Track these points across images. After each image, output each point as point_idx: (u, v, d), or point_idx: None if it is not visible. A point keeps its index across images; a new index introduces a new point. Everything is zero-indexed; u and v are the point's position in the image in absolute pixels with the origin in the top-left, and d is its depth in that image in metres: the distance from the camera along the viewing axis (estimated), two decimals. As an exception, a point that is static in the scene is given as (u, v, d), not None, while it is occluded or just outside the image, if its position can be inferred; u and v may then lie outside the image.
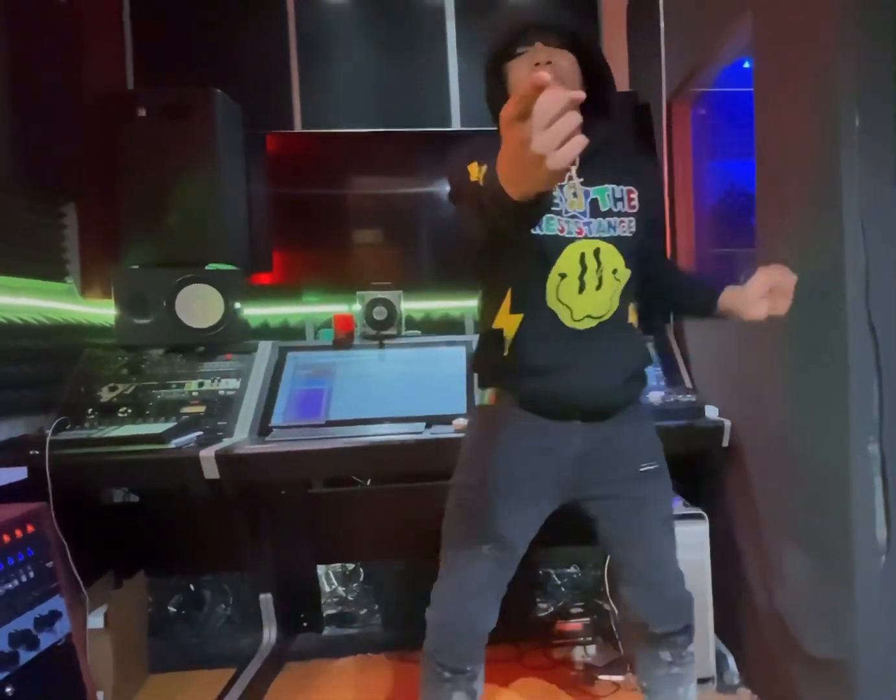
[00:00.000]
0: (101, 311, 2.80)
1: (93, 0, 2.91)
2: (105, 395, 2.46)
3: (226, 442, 2.25)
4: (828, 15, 1.63)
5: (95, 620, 2.14)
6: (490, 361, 1.58)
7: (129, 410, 2.39)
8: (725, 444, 2.27)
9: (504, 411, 1.56)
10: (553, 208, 1.47)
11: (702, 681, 2.24)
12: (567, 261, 1.47)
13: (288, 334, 3.14)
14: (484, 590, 1.55)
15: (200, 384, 2.53)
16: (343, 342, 2.75)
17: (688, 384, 2.62)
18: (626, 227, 1.53)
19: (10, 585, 1.62)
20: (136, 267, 2.69)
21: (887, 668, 1.63)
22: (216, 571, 2.77)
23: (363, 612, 2.85)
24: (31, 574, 1.70)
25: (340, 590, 2.88)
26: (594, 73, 1.51)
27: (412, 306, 3.12)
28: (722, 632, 2.33)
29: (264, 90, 3.29)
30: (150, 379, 2.53)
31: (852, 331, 1.60)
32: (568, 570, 2.97)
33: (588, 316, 1.49)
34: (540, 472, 1.53)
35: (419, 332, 3.00)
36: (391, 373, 2.66)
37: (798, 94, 1.79)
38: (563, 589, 2.94)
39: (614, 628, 2.54)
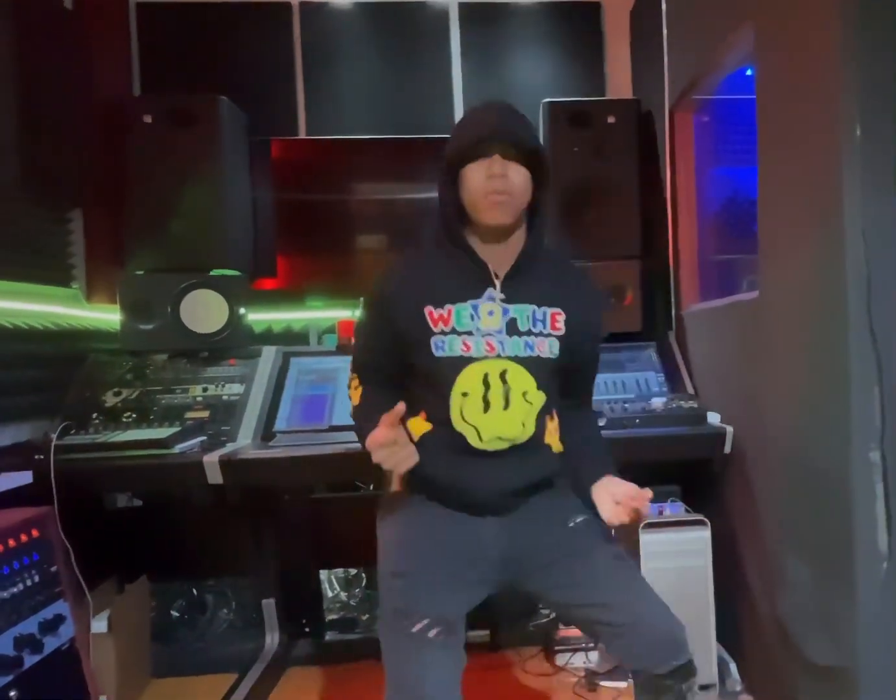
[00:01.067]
0: (106, 316, 2.81)
1: (99, 7, 2.92)
2: (109, 399, 2.47)
3: (229, 447, 2.26)
4: (829, 24, 1.64)
5: (99, 625, 2.14)
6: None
7: (134, 415, 2.40)
8: (727, 450, 2.27)
9: (414, 500, 1.57)
10: (461, 329, 1.47)
11: (704, 688, 2.23)
12: (468, 380, 1.47)
13: (291, 340, 3.15)
14: (440, 686, 1.35)
15: (204, 389, 2.54)
16: (347, 347, 2.76)
17: (690, 390, 2.62)
18: (547, 349, 1.50)
19: (14, 589, 1.63)
20: (141, 272, 2.71)
21: (889, 675, 1.62)
22: (219, 576, 2.77)
23: (365, 617, 2.85)
24: (36, 578, 1.71)
25: (343, 595, 2.88)
26: (540, 186, 1.51)
27: (415, 312, 3.12)
28: (724, 638, 2.32)
29: (269, 97, 3.31)
30: (155, 384, 2.55)
31: (854, 338, 1.61)
32: (570, 577, 2.97)
33: (498, 437, 1.48)
34: (459, 553, 1.50)
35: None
36: (394, 378, 2.67)
37: (799, 102, 1.80)
38: (601, 645, 2.94)
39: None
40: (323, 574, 2.85)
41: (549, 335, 1.51)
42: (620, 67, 3.46)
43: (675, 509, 2.35)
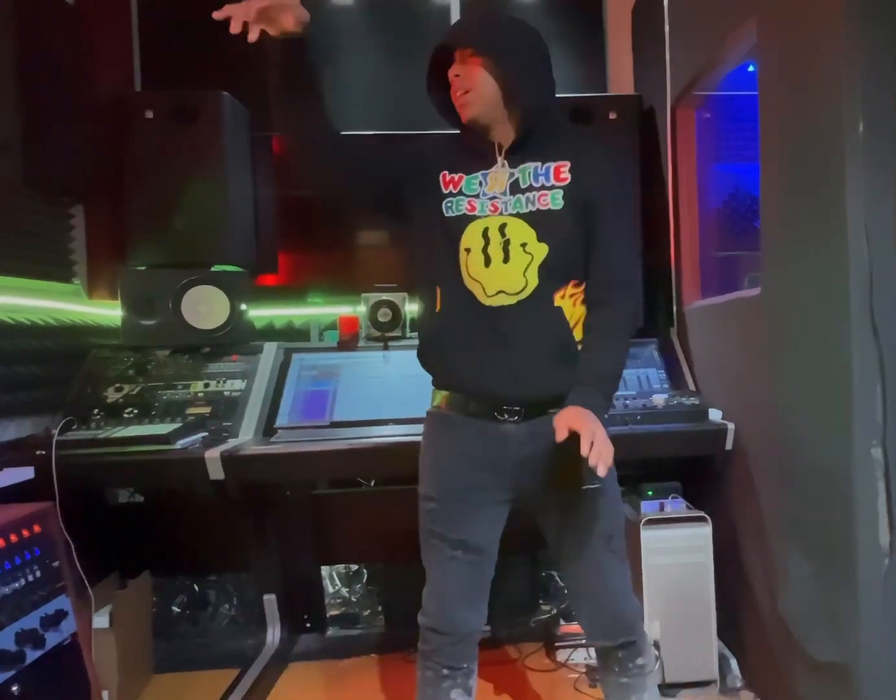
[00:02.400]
0: (108, 312, 2.81)
1: (101, 2, 2.92)
2: (111, 395, 2.47)
3: (231, 443, 2.26)
4: (832, 21, 1.64)
5: (101, 620, 2.14)
6: (426, 348, 1.66)
7: (135, 411, 2.41)
8: (729, 447, 2.27)
9: (444, 415, 1.63)
10: (469, 192, 1.57)
11: (704, 684, 2.25)
12: (470, 236, 1.55)
13: (293, 336, 3.14)
14: (459, 593, 1.59)
15: (206, 385, 2.54)
16: (348, 344, 2.76)
17: (691, 387, 2.62)
18: (547, 200, 1.54)
19: (16, 584, 1.62)
20: (143, 268, 2.71)
21: (890, 671, 1.62)
22: (220, 572, 2.78)
23: (366, 612, 2.86)
24: (38, 573, 1.70)
25: (344, 591, 2.89)
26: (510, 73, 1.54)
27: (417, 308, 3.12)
28: (725, 635, 2.33)
29: (271, 92, 3.30)
30: (156, 380, 2.55)
31: (856, 334, 1.61)
32: (571, 573, 2.98)
33: (501, 291, 1.53)
34: (482, 475, 1.56)
35: (423, 333, 3.01)
36: (396, 374, 2.67)
37: (802, 98, 1.80)
38: (565, 591, 2.94)
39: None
40: (324, 570, 2.86)
41: (552, 187, 1.55)
42: (622, 63, 3.45)
43: (676, 506, 2.35)
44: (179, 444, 2.16)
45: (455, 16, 3.40)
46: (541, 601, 2.90)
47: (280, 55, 1.65)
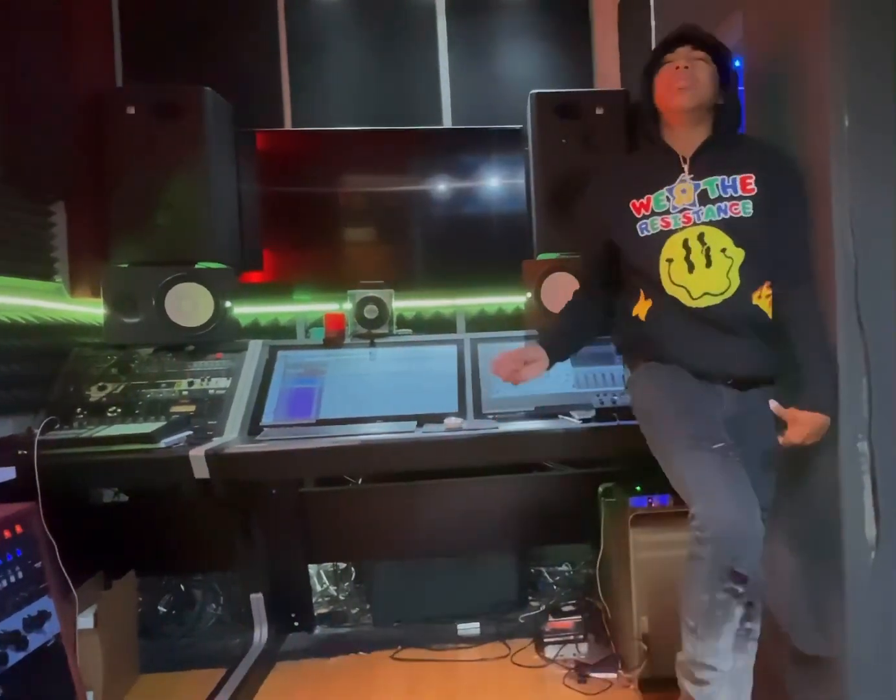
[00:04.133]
0: (90, 310, 2.78)
1: (81, -3, 2.89)
2: (94, 394, 2.45)
3: (216, 441, 2.24)
4: (818, 14, 1.64)
5: (85, 621, 2.12)
6: (631, 339, 1.86)
7: (119, 410, 2.38)
8: (717, 442, 2.27)
9: (656, 364, 1.78)
10: (659, 210, 1.74)
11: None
12: (670, 248, 1.72)
13: (278, 333, 3.13)
14: (740, 489, 1.56)
15: (190, 383, 2.52)
16: (334, 341, 2.75)
17: (679, 382, 2.63)
18: (739, 209, 1.69)
19: (-2, 586, 1.61)
20: (126, 266, 2.67)
21: (876, 664, 1.63)
22: (207, 571, 2.76)
23: (355, 611, 2.85)
24: (20, 574, 1.68)
25: (332, 589, 2.88)
26: (727, 83, 1.77)
27: (403, 305, 3.11)
28: (712, 629, 2.33)
29: (254, 88, 3.28)
30: (140, 378, 2.52)
31: (842, 329, 1.61)
32: (560, 568, 2.98)
33: (706, 293, 1.70)
34: (706, 404, 1.71)
35: (410, 330, 3.00)
36: (382, 372, 2.66)
37: (788, 93, 1.80)
38: (554, 587, 2.95)
39: (606, 626, 2.54)
40: (312, 568, 2.85)
41: (741, 197, 1.70)
42: (609, 58, 3.45)
43: (664, 501, 2.35)
44: (164, 442, 2.14)
45: (441, 12, 3.39)
46: (529, 597, 2.90)
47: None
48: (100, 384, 2.48)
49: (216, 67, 3.20)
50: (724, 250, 1.69)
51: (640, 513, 2.27)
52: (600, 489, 2.61)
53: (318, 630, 2.80)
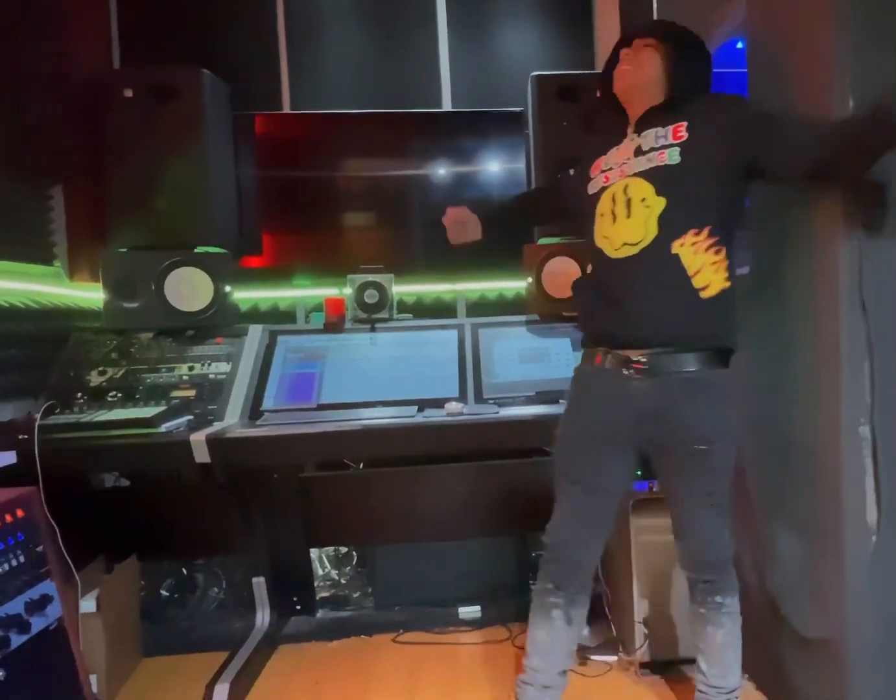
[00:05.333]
0: (90, 294, 2.77)
1: (78, -22, 2.86)
2: (94, 379, 2.44)
3: (217, 426, 2.24)
4: (822, -6, 1.62)
5: (87, 604, 2.13)
6: (579, 307, 1.90)
7: (119, 394, 2.38)
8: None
9: (580, 368, 1.87)
10: (605, 168, 1.80)
11: (692, 661, 2.25)
12: (602, 203, 1.77)
13: (278, 318, 3.12)
14: (570, 522, 1.80)
15: (191, 368, 2.51)
16: (334, 326, 2.74)
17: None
18: (664, 157, 1.69)
19: (-1, 569, 1.61)
20: (125, 250, 2.66)
21: (877, 648, 1.64)
22: (208, 555, 2.77)
23: (356, 594, 2.86)
24: (22, 558, 1.69)
25: (333, 573, 2.89)
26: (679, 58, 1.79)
27: (404, 290, 3.10)
28: (712, 612, 2.34)
29: (252, 71, 3.26)
30: (140, 363, 2.52)
31: (845, 313, 1.61)
32: (560, 553, 2.98)
33: (625, 243, 1.70)
34: (610, 414, 1.75)
35: (411, 315, 2.99)
36: (383, 356, 2.66)
37: (791, 76, 1.78)
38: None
39: (607, 609, 2.55)
40: (313, 552, 2.86)
41: (669, 145, 1.70)
42: (610, 40, 3.38)
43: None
44: (164, 427, 2.14)
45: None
46: (530, 581, 2.91)
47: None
48: (100, 369, 2.47)
49: (214, 50, 3.17)
50: (643, 200, 1.69)
51: (641, 497, 2.28)
52: (602, 473, 2.61)
53: (320, 613, 2.82)
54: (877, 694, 1.65)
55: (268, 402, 2.43)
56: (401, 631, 2.63)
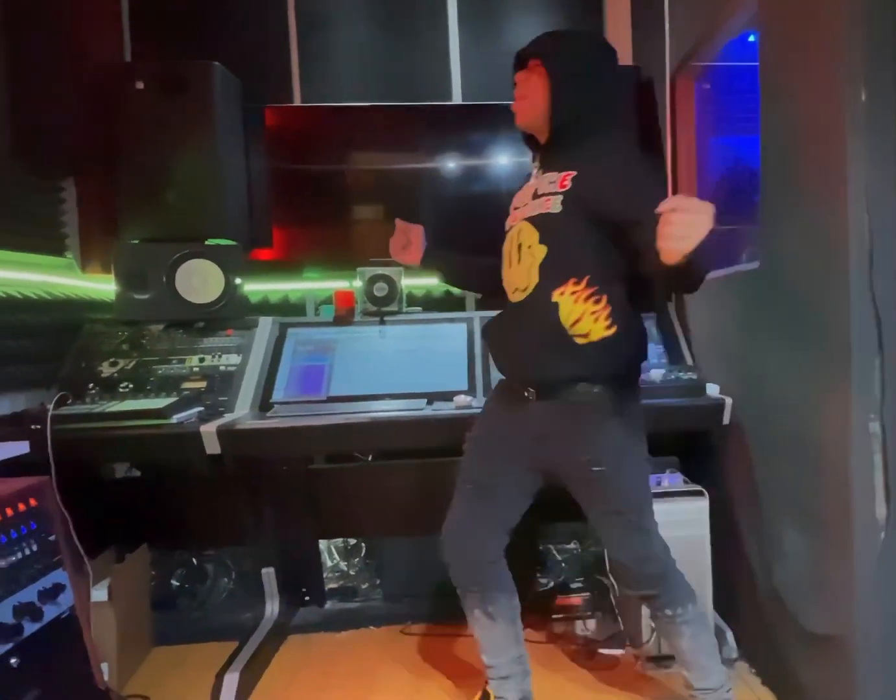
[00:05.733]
0: (101, 286, 2.79)
1: (89, -29, 2.87)
2: (106, 370, 2.46)
3: (227, 417, 2.25)
4: (835, -13, 1.61)
5: (99, 593, 2.15)
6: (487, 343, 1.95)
7: (130, 385, 2.39)
8: (726, 421, 2.26)
9: (490, 396, 1.95)
10: (515, 206, 1.81)
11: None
12: (506, 244, 1.80)
13: (288, 310, 3.13)
14: (459, 521, 1.87)
15: (201, 359, 2.52)
16: (344, 318, 2.75)
17: (689, 362, 2.62)
18: (550, 205, 1.68)
19: (13, 558, 1.62)
20: (136, 242, 2.67)
21: (884, 643, 1.64)
22: (218, 546, 2.78)
23: (364, 586, 2.87)
24: (34, 547, 1.70)
25: (342, 565, 2.90)
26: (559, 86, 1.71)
27: (413, 283, 3.10)
28: (721, 607, 2.34)
29: (263, 64, 3.26)
30: (151, 354, 2.53)
31: (855, 308, 1.60)
32: (568, 546, 2.99)
33: (516, 289, 1.75)
34: (507, 434, 1.80)
35: (420, 308, 2.99)
36: (392, 349, 2.66)
37: (804, 68, 1.77)
38: (563, 564, 2.96)
39: (614, 603, 2.55)
40: (322, 544, 2.87)
41: (553, 193, 1.68)
42: (620, 33, 3.40)
43: (673, 480, 2.36)
44: (176, 418, 2.15)
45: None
46: (538, 574, 2.91)
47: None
48: (111, 360, 2.49)
49: (225, 43, 3.17)
50: (529, 247, 1.70)
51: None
52: (609, 468, 2.61)
53: (328, 604, 2.83)
54: (884, 690, 1.65)
55: (278, 395, 2.45)
56: (408, 622, 2.65)
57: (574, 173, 1.66)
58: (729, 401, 2.26)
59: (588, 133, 1.71)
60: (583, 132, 1.70)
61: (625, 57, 3.34)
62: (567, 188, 1.66)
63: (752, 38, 2.46)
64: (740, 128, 2.90)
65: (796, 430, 1.87)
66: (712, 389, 2.34)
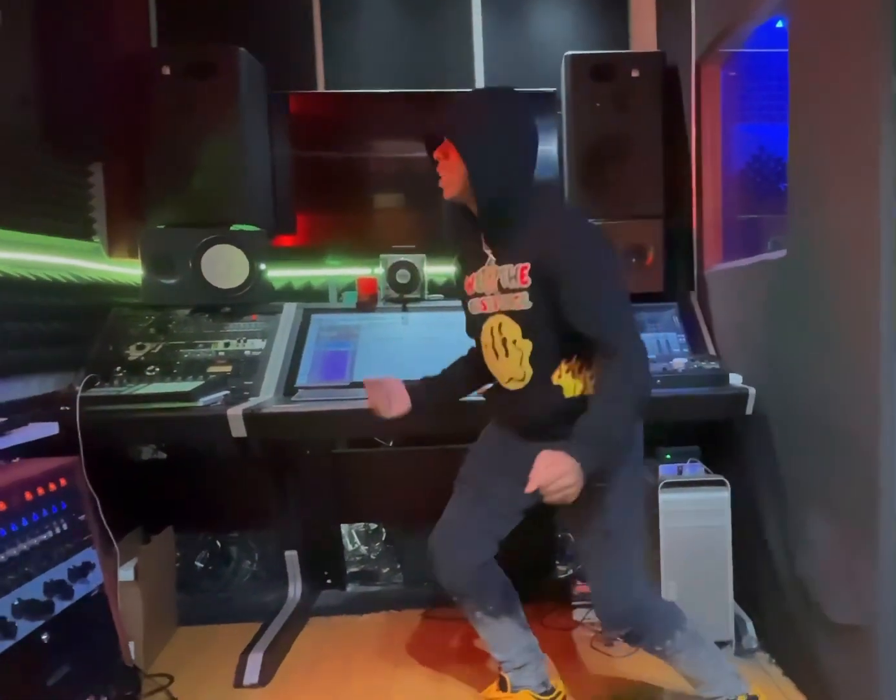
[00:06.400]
0: (128, 270, 2.82)
1: (116, -43, 2.88)
2: (133, 353, 2.49)
3: (252, 401, 2.27)
4: (869, -28, 1.59)
5: (126, 573, 2.18)
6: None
7: (157, 369, 2.43)
8: (749, 411, 2.25)
9: (491, 424, 1.98)
10: (479, 291, 1.77)
11: (719, 645, 2.25)
12: (485, 333, 1.78)
13: (311, 296, 3.14)
14: (453, 518, 1.91)
15: (226, 344, 2.55)
16: (366, 305, 2.76)
17: (711, 351, 2.61)
18: (521, 302, 1.66)
19: (44, 536, 1.66)
20: (162, 227, 2.70)
21: (909, 633, 1.63)
22: (242, 528, 2.82)
23: (385, 570, 2.90)
24: (65, 526, 1.73)
25: (363, 549, 2.92)
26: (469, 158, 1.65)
27: (435, 270, 3.10)
28: (741, 597, 2.34)
29: (287, 50, 3.26)
30: (177, 338, 2.57)
31: (885, 297, 1.58)
32: (587, 534, 2.99)
33: (511, 379, 1.75)
34: (505, 459, 1.83)
35: (442, 296, 2.99)
36: (414, 336, 2.67)
37: (835, 54, 1.75)
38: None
39: (633, 591, 2.56)
40: (344, 528, 2.89)
41: (519, 289, 1.66)
42: (645, 19, 3.37)
43: (694, 469, 2.36)
44: (202, 401, 2.18)
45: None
46: (557, 562, 2.92)
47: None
48: (138, 343, 2.52)
49: (249, 29, 3.17)
50: (514, 342, 1.70)
51: (670, 480, 2.28)
52: (630, 456, 2.61)
53: (349, 588, 2.86)
54: (907, 681, 1.64)
55: (302, 379, 2.46)
56: (429, 607, 2.66)
57: (528, 266, 1.63)
58: (752, 391, 2.25)
59: (516, 201, 1.68)
60: (511, 202, 1.67)
61: (649, 43, 3.32)
62: (528, 284, 1.64)
63: (780, 24, 2.43)
64: (766, 116, 2.87)
65: (823, 420, 1.86)
66: (735, 379, 2.33)
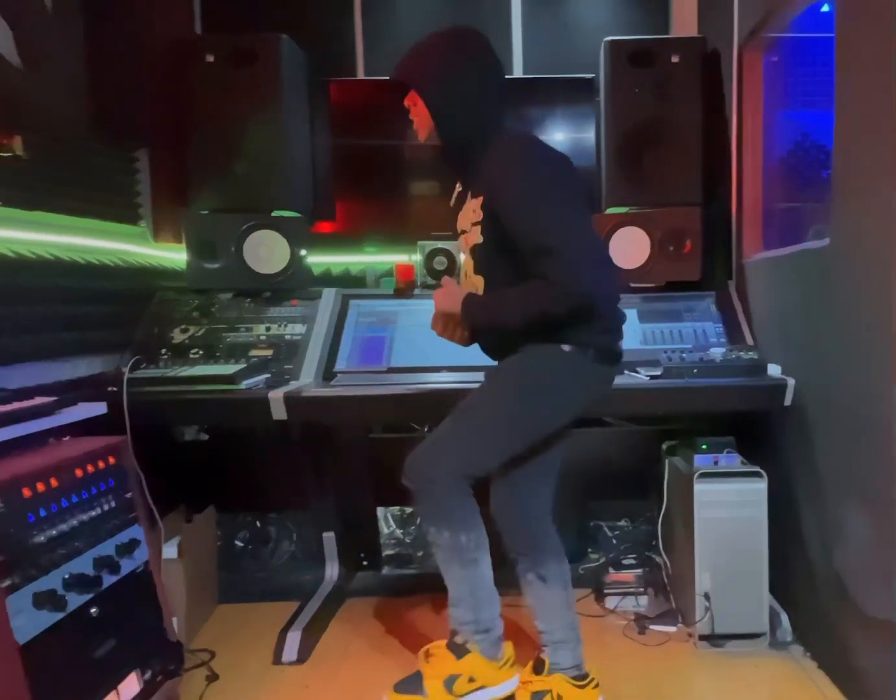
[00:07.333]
0: (173, 255, 2.88)
1: (161, -54, 2.92)
2: (177, 336, 2.55)
3: (293, 385, 2.31)
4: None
5: (169, 550, 2.23)
6: None
7: (200, 352, 2.48)
8: (788, 402, 2.23)
9: None
10: (460, 230, 1.86)
11: (754, 636, 2.26)
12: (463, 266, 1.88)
13: (349, 283, 3.18)
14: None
15: (268, 328, 2.60)
16: (404, 291, 2.78)
17: (749, 341, 2.58)
18: (474, 237, 1.75)
19: (93, 513, 1.69)
20: (206, 212, 2.75)
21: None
22: (281, 509, 2.87)
23: (420, 554, 2.93)
24: (112, 503, 1.77)
25: (398, 532, 2.96)
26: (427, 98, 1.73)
27: (472, 257, 3.12)
28: (777, 590, 2.33)
29: (328, 38, 3.28)
30: (220, 322, 2.62)
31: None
32: (619, 523, 2.99)
33: None
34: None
35: (479, 282, 3.00)
36: (451, 322, 2.68)
37: (883, 40, 1.72)
38: (614, 541, 2.97)
39: (666, 581, 2.56)
40: (380, 511, 2.93)
41: (475, 223, 1.74)
42: (686, 3, 3.33)
43: (730, 460, 2.34)
44: (244, 384, 2.22)
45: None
46: (590, 550, 2.93)
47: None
48: (182, 327, 2.58)
49: (290, 17, 3.20)
50: (467, 276, 1.82)
51: (706, 471, 2.27)
52: (664, 446, 2.61)
53: (385, 570, 2.90)
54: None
55: (340, 364, 2.50)
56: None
57: (482, 197, 1.71)
58: (791, 382, 2.22)
59: (479, 139, 1.73)
60: (473, 140, 1.73)
61: (690, 28, 3.27)
62: (480, 218, 1.71)
63: (825, 8, 2.39)
64: (809, 102, 2.82)
65: (864, 415, 1.84)
66: (774, 370, 2.31)
